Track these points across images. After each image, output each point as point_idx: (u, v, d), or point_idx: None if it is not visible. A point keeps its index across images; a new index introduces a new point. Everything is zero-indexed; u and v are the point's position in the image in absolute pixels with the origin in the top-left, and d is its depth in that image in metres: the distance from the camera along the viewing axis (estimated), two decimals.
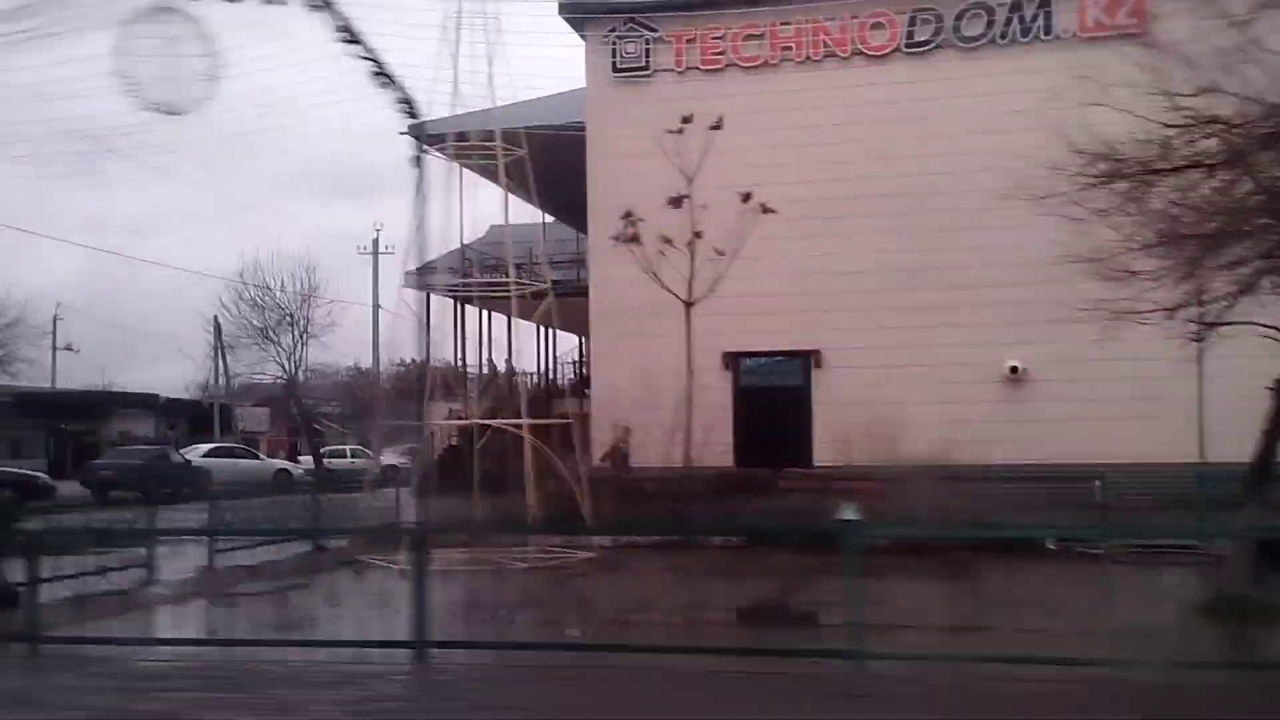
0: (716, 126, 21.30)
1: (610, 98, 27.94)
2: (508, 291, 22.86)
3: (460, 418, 36.78)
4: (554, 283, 24.41)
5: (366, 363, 66.16)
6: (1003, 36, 25.79)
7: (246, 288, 46.79)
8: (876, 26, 26.50)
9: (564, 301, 26.42)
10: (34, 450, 51.79)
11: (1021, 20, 25.70)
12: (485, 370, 38.31)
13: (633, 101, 27.50)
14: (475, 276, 32.98)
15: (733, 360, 26.80)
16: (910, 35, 26.29)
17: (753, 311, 25.52)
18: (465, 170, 34.45)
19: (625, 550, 18.17)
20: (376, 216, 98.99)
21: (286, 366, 48.02)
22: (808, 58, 26.89)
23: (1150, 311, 13.64)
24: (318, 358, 54.23)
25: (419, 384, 66.92)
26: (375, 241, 48.54)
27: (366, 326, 52.81)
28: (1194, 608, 11.87)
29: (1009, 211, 24.83)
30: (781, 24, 26.95)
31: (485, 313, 39.39)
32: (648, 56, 27.87)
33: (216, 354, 57.88)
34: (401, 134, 33.36)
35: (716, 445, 24.37)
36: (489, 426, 22.35)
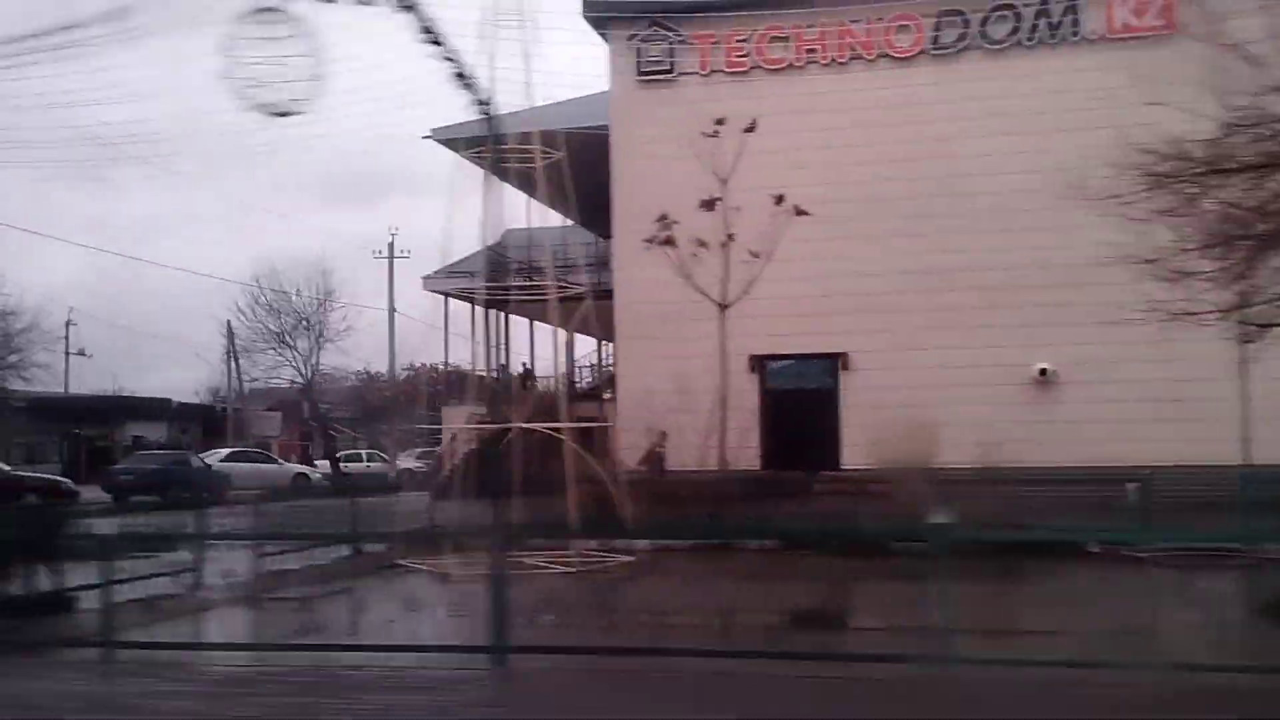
0: (750, 129, 21.26)
1: (635, 101, 27.93)
2: (543, 295, 22.75)
3: (484, 421, 36.80)
4: (587, 287, 24.38)
5: (375, 367, 66.26)
6: (1030, 39, 25.77)
7: (263, 292, 46.73)
8: (902, 29, 26.49)
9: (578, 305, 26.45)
10: (48, 455, 51.83)
11: (1049, 22, 25.68)
12: (501, 374, 38.27)
13: (657, 104, 27.50)
14: (501, 280, 33.03)
15: (759, 363, 26.76)
16: (936, 38, 26.28)
17: (780, 314, 25.46)
18: (489, 174, 34.52)
19: (663, 554, 18.08)
20: (391, 220, 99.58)
21: (303, 371, 47.96)
22: (833, 60, 26.90)
23: (1205, 314, 13.47)
24: (328, 362, 54.08)
25: (438, 388, 66.93)
26: (390, 245, 48.49)
27: (378, 330, 52.74)
28: (1257, 609, 11.79)
29: (1038, 214, 24.97)
30: (806, 26, 26.94)
31: (503, 316, 39.44)
32: (672, 59, 27.88)
33: (229, 358, 57.95)
34: (425, 138, 33.71)
35: (744, 448, 24.33)
36: (507, 430, 22.19)
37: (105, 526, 14.22)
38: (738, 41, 27.38)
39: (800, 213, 21.09)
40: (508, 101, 22.25)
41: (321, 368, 51.65)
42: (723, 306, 21.66)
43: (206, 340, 78.51)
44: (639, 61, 27.95)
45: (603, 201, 28.37)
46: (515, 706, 7.51)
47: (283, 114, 8.38)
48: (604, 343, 40.18)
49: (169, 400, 66.30)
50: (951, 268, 25.42)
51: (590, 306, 23.26)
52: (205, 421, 65.93)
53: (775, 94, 26.58)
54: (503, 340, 35.62)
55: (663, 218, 21.24)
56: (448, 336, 40.04)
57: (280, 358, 48.67)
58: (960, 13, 26.08)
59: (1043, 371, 25.19)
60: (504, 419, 36.57)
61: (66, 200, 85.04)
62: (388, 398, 61.74)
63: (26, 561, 12.35)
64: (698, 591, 13.44)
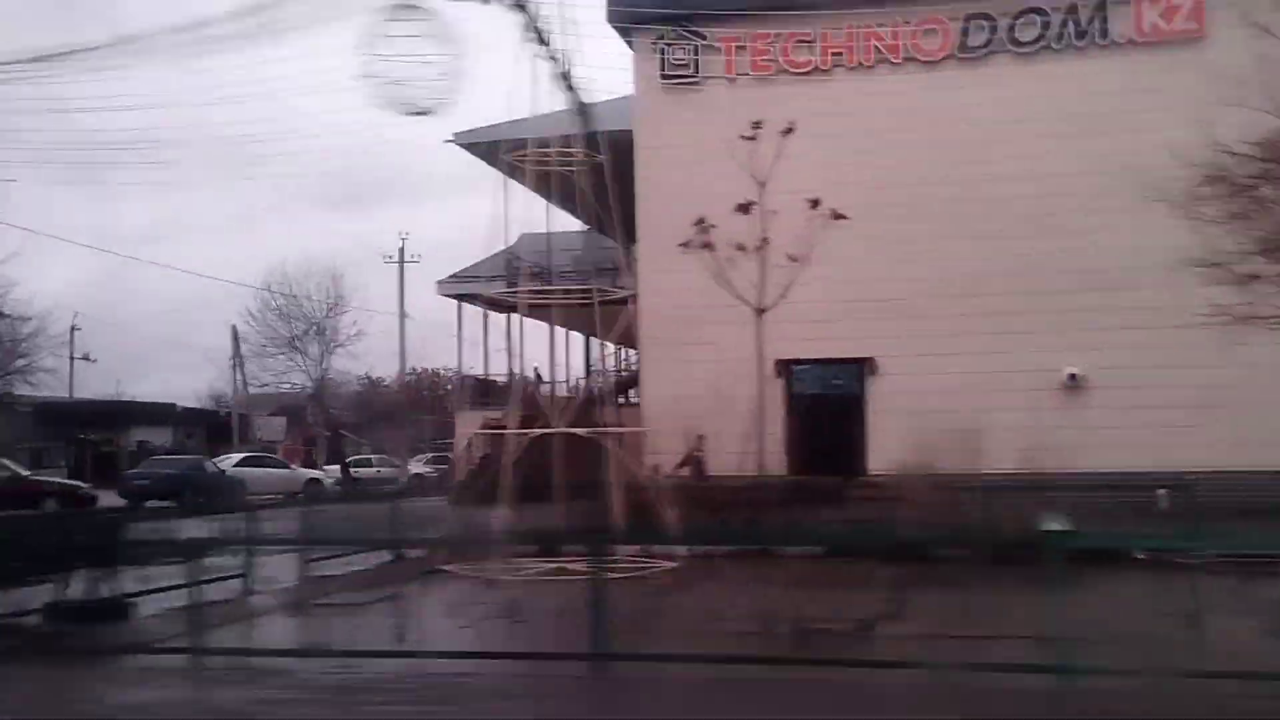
0: (788, 132, 21.15)
1: (659, 105, 27.82)
2: (580, 300, 22.62)
3: (500, 426, 36.62)
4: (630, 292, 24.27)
5: (379, 372, 66.18)
6: (1058, 42, 25.69)
7: (274, 297, 46.58)
8: (929, 32, 26.42)
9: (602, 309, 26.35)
10: (54, 460, 51.60)
11: (1077, 25, 25.62)
12: (538, 379, 38.13)
13: (682, 109, 27.42)
14: (519, 284, 32.87)
15: (785, 368, 26.62)
16: (964, 41, 26.21)
17: (806, 319, 25.32)
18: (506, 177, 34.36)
19: (703, 560, 17.93)
20: (400, 225, 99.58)
21: (313, 375, 47.82)
22: (860, 64, 26.81)
23: (1272, 317, 13.42)
24: (337, 367, 53.92)
25: (439, 392, 66.53)
26: (400, 250, 48.32)
27: (389, 335, 52.55)
28: None
29: (1067, 218, 24.97)
30: (833, 30, 26.86)
31: (516, 320, 39.29)
32: (697, 63, 27.78)
33: (235, 364, 57.80)
34: (447, 141, 33.60)
35: (770, 453, 24.20)
36: (528, 435, 21.99)
37: (150, 531, 14.04)
38: (763, 45, 27.30)
39: (838, 216, 20.97)
40: (525, 107, 22.24)
41: (329, 373, 51.20)
42: (759, 311, 21.53)
43: (212, 345, 78.58)
44: (663, 65, 27.84)
45: (624, 206, 28.21)
46: (630, 714, 7.37)
47: (420, 113, 8.27)
48: (622, 348, 40.04)
49: (173, 405, 66.21)
50: (979, 272, 25.35)
51: (631, 312, 23.08)
52: (209, 426, 65.88)
53: (801, 98, 26.44)
54: (514, 344, 35.30)
55: (700, 221, 21.12)
56: (461, 342, 40.04)
57: (291, 362, 48.32)
58: (988, 16, 26.01)
59: (1072, 376, 25.10)
60: (524, 423, 36.42)
61: (71, 203, 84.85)
62: (393, 402, 61.68)
63: (84, 567, 12.21)
64: (764, 598, 13.24)
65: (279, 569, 16.17)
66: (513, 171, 26.64)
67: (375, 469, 49.90)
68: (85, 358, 60.31)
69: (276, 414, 69.45)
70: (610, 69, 35.23)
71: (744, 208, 20.95)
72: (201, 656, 8.89)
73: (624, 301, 22.96)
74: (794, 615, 12.19)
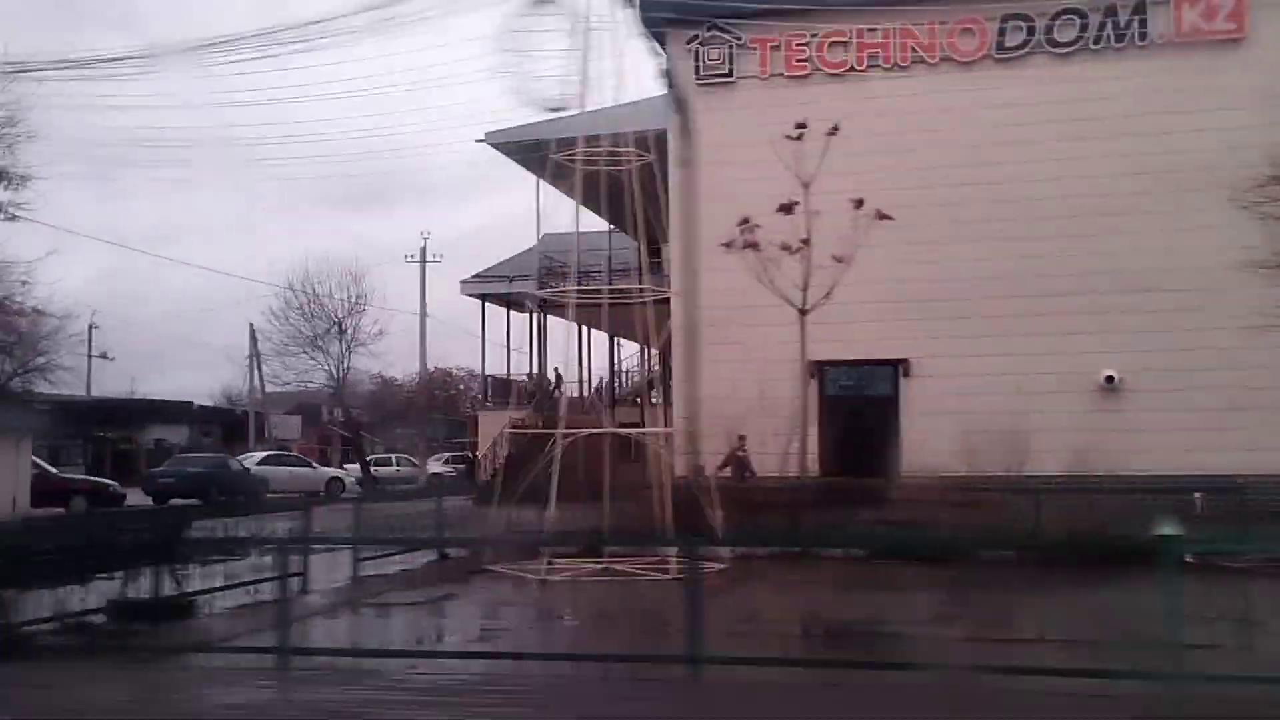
0: (833, 132, 21.05)
1: (693, 106, 27.66)
2: (629, 299, 22.51)
3: (527, 426, 36.55)
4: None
5: (393, 372, 66.03)
6: (1096, 42, 25.56)
7: (296, 295, 46.55)
8: (966, 32, 26.29)
9: (628, 310, 26.26)
10: (72, 458, 51.58)
11: (1115, 25, 25.48)
12: (547, 377, 38.05)
13: (716, 109, 27.29)
14: (549, 283, 32.84)
15: (818, 369, 26.48)
16: (1000, 41, 26.09)
17: (838, 320, 25.20)
18: (538, 178, 34.22)
19: (750, 561, 17.82)
20: (421, 225, 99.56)
21: (333, 373, 47.77)
22: (895, 64, 26.70)
23: None
24: (359, 366, 53.79)
25: (452, 392, 66.26)
26: (422, 250, 48.24)
27: (410, 334, 52.45)
28: None
29: (1105, 219, 24.84)
30: (868, 30, 26.75)
31: (543, 319, 39.26)
32: (731, 63, 27.69)
33: (252, 362, 57.75)
34: (479, 141, 33.57)
35: (792, 456, 24.08)
36: (574, 434, 21.86)
37: (209, 529, 13.94)
38: (798, 45, 27.19)
39: (883, 217, 20.87)
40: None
41: (349, 372, 51.09)
42: (802, 311, 21.45)
43: (229, 344, 78.57)
44: (697, 65, 27.74)
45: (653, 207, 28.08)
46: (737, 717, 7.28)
47: (556, 109, 8.18)
48: (647, 348, 39.92)
49: (189, 403, 66.18)
50: (1015, 273, 25.22)
51: (679, 315, 22.96)
52: (225, 425, 65.88)
53: (836, 98, 26.31)
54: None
55: (744, 221, 21.02)
56: (485, 341, 39.98)
57: (313, 361, 48.24)
58: (1025, 17, 25.87)
59: (1109, 378, 24.95)
60: (550, 423, 36.28)
61: (88, 202, 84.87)
62: (409, 401, 61.62)
63: (146, 565, 12.14)
64: (830, 601, 13.18)
65: (326, 568, 16.12)
66: (547, 172, 26.51)
67: (395, 468, 49.82)
68: (103, 355, 60.24)
69: (292, 413, 69.41)
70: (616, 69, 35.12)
71: (787, 208, 20.86)
72: (281, 655, 8.78)
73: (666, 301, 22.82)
74: (876, 618, 12.13)
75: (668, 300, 27.68)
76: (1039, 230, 25.17)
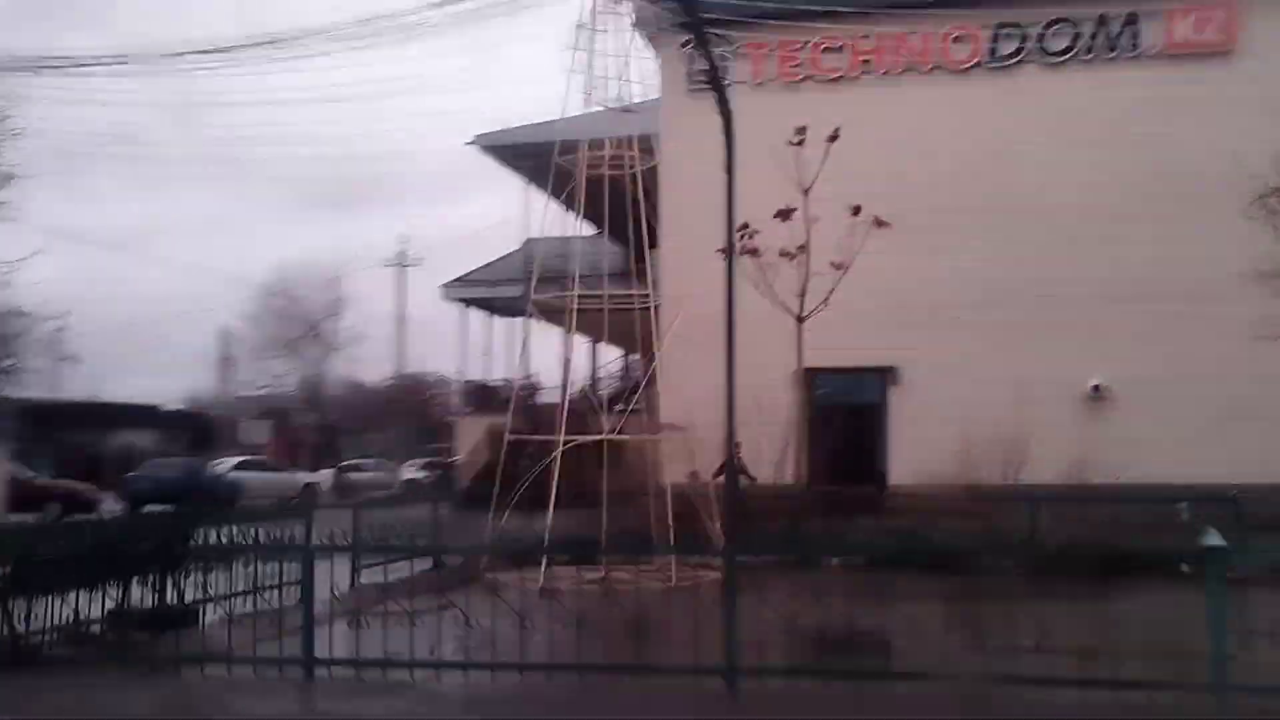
0: (834, 138, 20.93)
1: (685, 110, 27.53)
2: (633, 304, 22.32)
3: (500, 433, 36.22)
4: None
5: (370, 375, 65.55)
6: (1088, 52, 25.64)
7: (271, 297, 46.05)
8: (959, 40, 26.33)
9: (614, 316, 26.02)
10: (39, 462, 50.72)
11: (1107, 36, 25.58)
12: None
13: (708, 114, 27.07)
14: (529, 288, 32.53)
15: (805, 376, 26.34)
16: (993, 50, 26.12)
17: (826, 327, 25.12)
18: (527, 182, 33.99)
19: (749, 570, 17.58)
20: (395, 227, 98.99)
21: (308, 377, 47.32)
22: (888, 72, 26.65)
23: None
24: (338, 370, 53.33)
25: (424, 397, 65.87)
26: (401, 253, 47.87)
27: (384, 340, 52.03)
28: None
29: (1094, 228, 24.89)
30: (861, 37, 26.71)
31: (529, 324, 38.92)
32: (724, 70, 27.48)
33: (222, 365, 57.25)
34: (468, 144, 33.27)
35: (780, 462, 23.95)
36: (577, 440, 21.60)
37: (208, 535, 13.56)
38: (791, 51, 27.11)
39: (880, 224, 20.76)
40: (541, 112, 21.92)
41: (325, 376, 50.66)
42: (800, 319, 21.30)
43: (197, 347, 77.78)
44: (689, 71, 27.61)
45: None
46: None
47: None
48: (637, 354, 39.72)
49: (156, 407, 65.35)
50: (1004, 281, 25.26)
51: (681, 319, 22.76)
52: (193, 429, 65.08)
53: (829, 105, 26.22)
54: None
55: (744, 227, 20.83)
56: (466, 347, 39.69)
57: (288, 364, 47.78)
58: (1018, 25, 25.93)
59: (1096, 388, 24.99)
60: (530, 430, 35.90)
61: (58, 201, 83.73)
62: (384, 405, 61.15)
63: (145, 572, 11.81)
64: (844, 611, 12.94)
65: (322, 576, 15.75)
66: (535, 176, 26.24)
67: (369, 474, 49.36)
68: (69, 358, 59.43)
69: (261, 417, 68.73)
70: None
71: (784, 214, 20.69)
72: (307, 666, 8.49)
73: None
74: (898, 628, 11.93)
75: (654, 307, 27.56)
76: (1028, 239, 25.24)
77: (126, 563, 11.20)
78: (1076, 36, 25.69)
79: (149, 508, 32.50)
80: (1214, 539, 8.50)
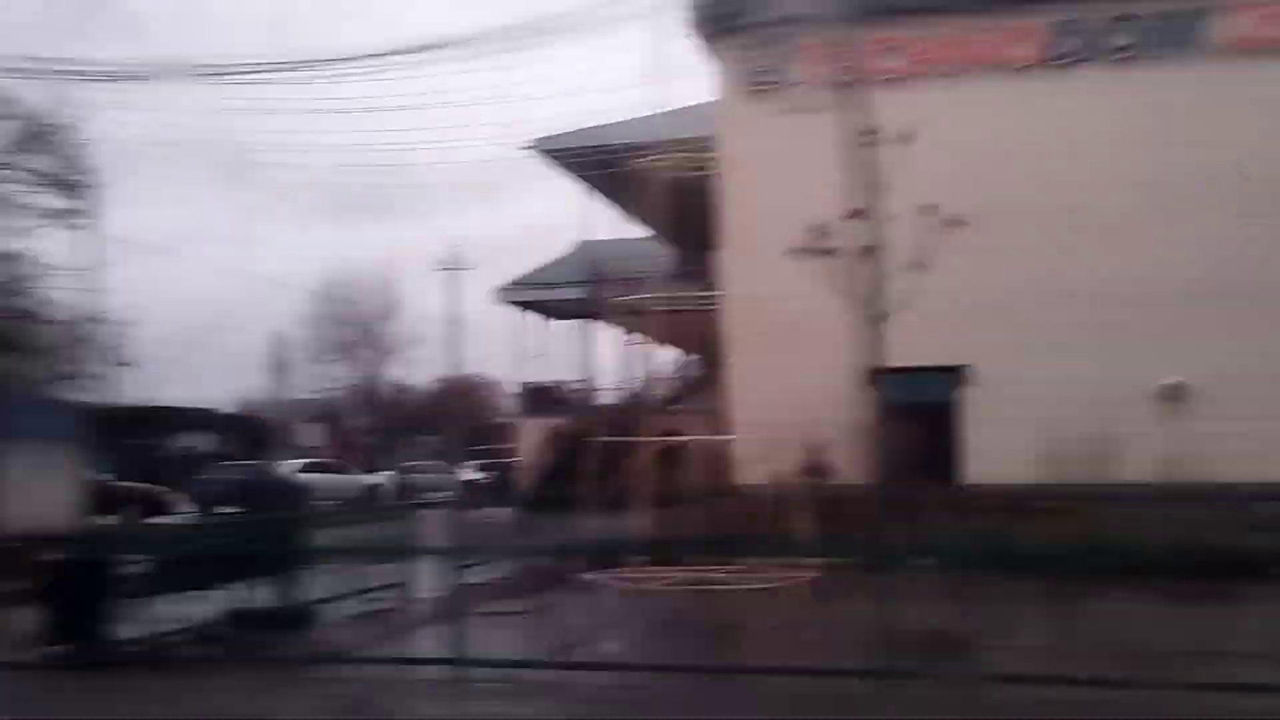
0: (905, 139, 20.97)
1: (744, 112, 27.67)
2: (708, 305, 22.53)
3: (564, 433, 36.54)
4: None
5: (416, 379, 66.03)
6: (1151, 49, 25.50)
7: (330, 302, 46.56)
8: (1019, 39, 26.26)
9: (668, 317, 26.31)
10: (104, 465, 51.34)
11: (1170, 33, 25.43)
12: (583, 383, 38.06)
13: (768, 115, 27.24)
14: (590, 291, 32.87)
15: (879, 376, 26.39)
16: (1055, 48, 26.05)
17: (897, 327, 25.15)
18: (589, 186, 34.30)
19: (838, 571, 17.71)
20: (455, 233, 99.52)
21: (364, 380, 47.81)
22: (947, 71, 26.63)
23: None
24: (392, 374, 53.77)
25: (465, 398, 66.07)
26: (455, 258, 48.29)
27: (439, 342, 52.43)
28: None
29: (1165, 226, 24.77)
30: (920, 37, 26.71)
31: (589, 327, 39.26)
32: (782, 70, 27.65)
33: (277, 369, 57.83)
34: (525, 148, 33.51)
35: (858, 463, 24.02)
36: (664, 441, 21.85)
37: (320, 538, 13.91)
38: (849, 51, 27.11)
39: (955, 223, 20.76)
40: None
41: (380, 379, 51.11)
42: (877, 319, 21.35)
43: (251, 351, 78.36)
44: (748, 72, 27.73)
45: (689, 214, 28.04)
46: None
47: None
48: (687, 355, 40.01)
49: (213, 410, 66.08)
50: (1072, 280, 25.17)
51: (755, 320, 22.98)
52: (248, 432, 65.75)
53: (888, 105, 26.21)
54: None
55: (817, 227, 20.94)
56: (524, 350, 39.92)
57: (344, 367, 48.27)
58: (1079, 23, 25.84)
59: (1174, 386, 24.84)
60: (583, 431, 36.17)
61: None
62: (437, 407, 61.64)
63: (264, 574, 12.13)
64: (963, 613, 12.95)
65: (429, 577, 15.96)
66: (595, 180, 26.46)
67: (428, 475, 49.80)
68: (128, 363, 60.09)
69: (314, 420, 69.42)
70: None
71: (857, 214, 20.75)
72: (459, 667, 8.71)
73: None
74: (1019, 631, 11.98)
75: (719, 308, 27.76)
76: (1096, 237, 25.11)
77: (251, 563, 11.50)
78: (1139, 33, 25.55)
79: (219, 509, 33.10)
80: None
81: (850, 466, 22.12)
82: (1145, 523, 18.80)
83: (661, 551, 18.33)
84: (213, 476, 37.67)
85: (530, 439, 38.19)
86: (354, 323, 47.48)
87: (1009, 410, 24.79)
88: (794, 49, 27.48)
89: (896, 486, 23.52)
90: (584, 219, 34.73)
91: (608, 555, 18.14)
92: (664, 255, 35.83)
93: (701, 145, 26.72)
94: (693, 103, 31.33)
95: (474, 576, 16.38)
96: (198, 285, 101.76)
